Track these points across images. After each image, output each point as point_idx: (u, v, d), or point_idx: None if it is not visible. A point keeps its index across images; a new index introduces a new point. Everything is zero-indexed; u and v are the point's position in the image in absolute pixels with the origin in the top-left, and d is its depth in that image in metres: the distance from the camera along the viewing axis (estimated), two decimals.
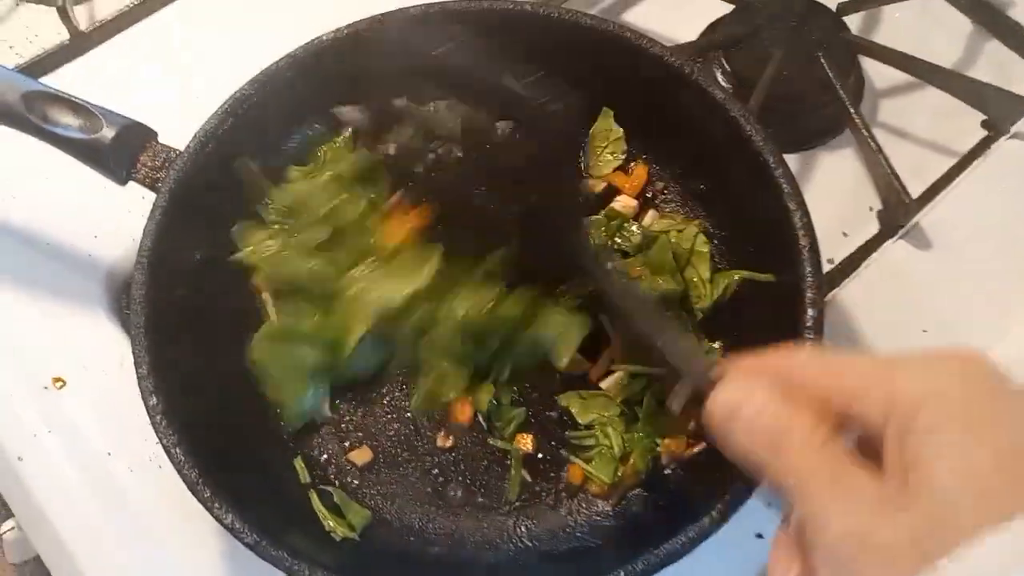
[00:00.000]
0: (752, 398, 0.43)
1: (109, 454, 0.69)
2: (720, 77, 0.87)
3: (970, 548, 0.33)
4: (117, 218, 0.75)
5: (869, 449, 0.40)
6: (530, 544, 0.64)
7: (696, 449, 0.67)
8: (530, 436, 0.68)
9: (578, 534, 0.64)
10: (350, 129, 0.73)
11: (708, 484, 0.61)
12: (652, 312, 0.59)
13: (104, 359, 0.71)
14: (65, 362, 0.72)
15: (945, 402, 0.37)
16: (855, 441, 0.42)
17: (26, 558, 0.71)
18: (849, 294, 0.77)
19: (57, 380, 0.71)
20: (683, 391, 0.51)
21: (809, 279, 0.62)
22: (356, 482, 0.67)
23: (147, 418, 0.58)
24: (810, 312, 0.61)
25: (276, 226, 0.66)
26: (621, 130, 0.74)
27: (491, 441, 0.68)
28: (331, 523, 0.62)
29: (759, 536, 0.68)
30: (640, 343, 0.59)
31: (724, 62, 0.87)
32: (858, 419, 0.40)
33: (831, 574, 0.38)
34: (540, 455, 0.68)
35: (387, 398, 0.71)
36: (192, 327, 0.65)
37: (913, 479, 0.36)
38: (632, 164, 0.76)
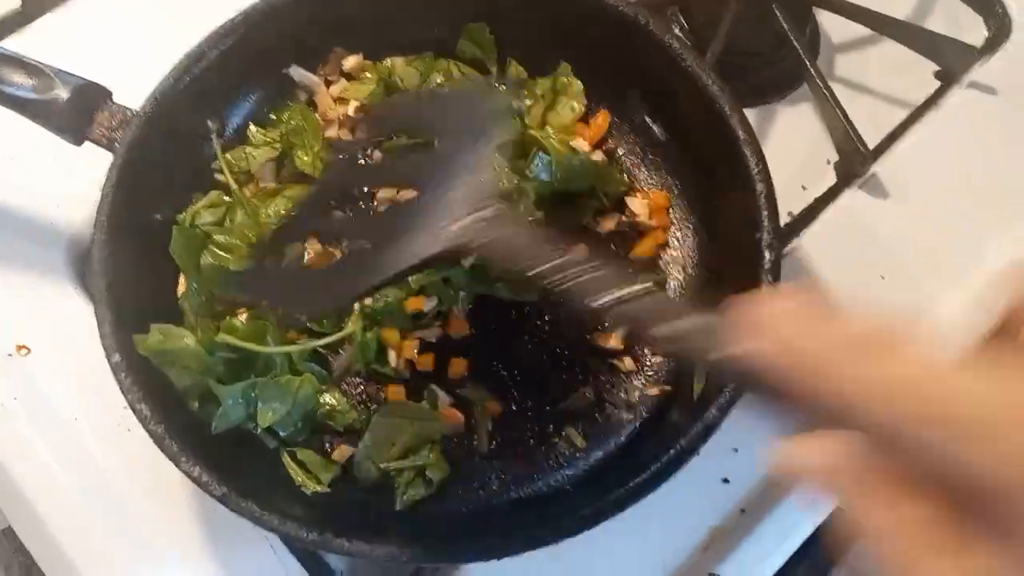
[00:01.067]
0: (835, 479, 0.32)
1: (76, 420, 0.68)
2: (677, 31, 0.87)
3: None
4: (78, 184, 0.73)
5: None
6: (501, 490, 0.65)
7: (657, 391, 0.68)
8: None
9: (549, 480, 0.65)
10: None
11: (671, 425, 0.62)
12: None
13: (69, 326, 0.71)
14: (29, 330, 0.71)
15: None
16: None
17: (1, 527, 0.70)
18: (808, 244, 0.78)
19: (21, 348, 0.71)
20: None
21: (766, 223, 0.63)
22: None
23: (113, 383, 0.58)
24: (767, 255, 0.62)
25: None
26: (579, 83, 0.74)
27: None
28: (301, 478, 0.63)
29: (725, 481, 0.69)
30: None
31: (680, 17, 0.88)
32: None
33: None
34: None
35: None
36: (154, 285, 0.65)
37: None
38: (591, 117, 0.76)
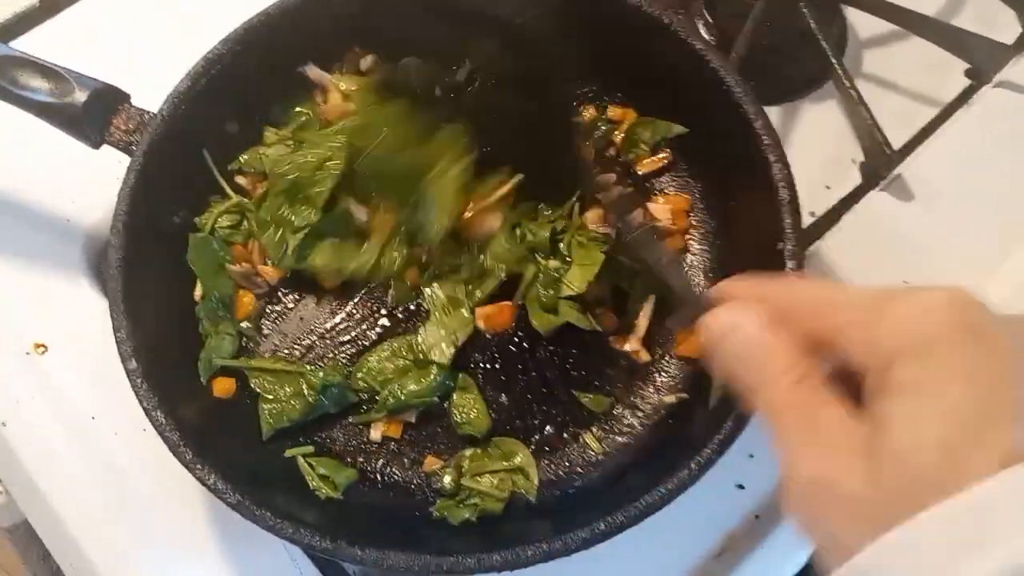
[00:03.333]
0: (743, 322, 0.42)
1: (93, 418, 0.69)
2: (702, 29, 0.86)
3: (935, 511, 0.32)
4: (96, 182, 0.74)
5: (852, 384, 0.39)
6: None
7: (674, 399, 0.67)
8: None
9: (565, 488, 0.65)
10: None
11: (689, 435, 0.62)
12: (651, 240, 0.61)
13: (86, 324, 0.71)
14: (47, 328, 0.72)
15: (921, 356, 0.36)
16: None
17: (15, 521, 0.71)
18: (831, 246, 0.77)
19: (39, 346, 0.71)
20: (683, 315, 0.49)
21: (788, 231, 0.62)
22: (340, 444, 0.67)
23: None
24: (790, 264, 0.61)
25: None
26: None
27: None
28: (316, 483, 0.63)
29: (740, 487, 0.69)
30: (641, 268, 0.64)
31: (706, 13, 0.87)
32: (843, 357, 0.39)
33: (797, 517, 0.38)
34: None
35: None
36: (170, 289, 0.65)
37: (882, 435, 0.35)
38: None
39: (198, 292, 0.68)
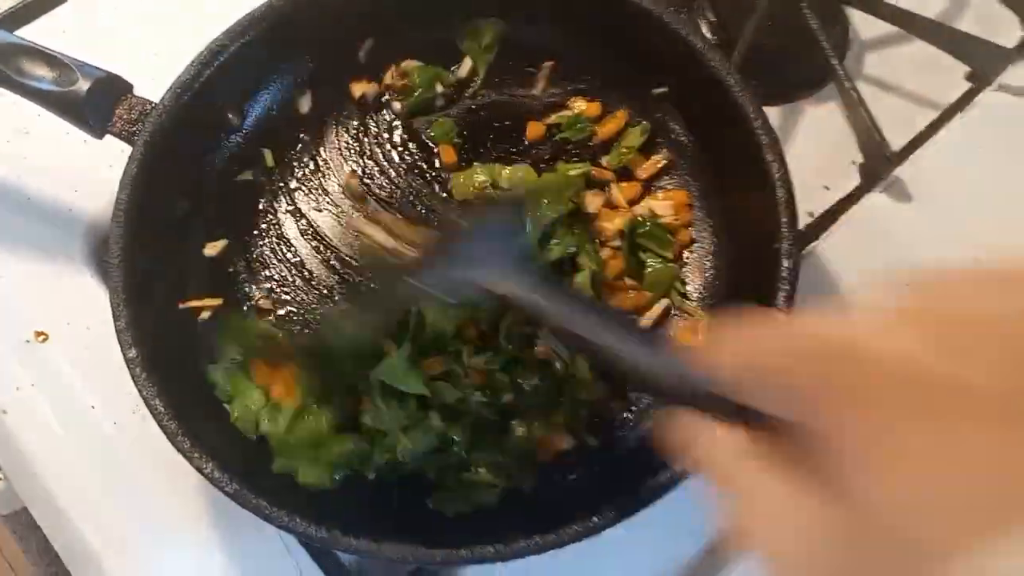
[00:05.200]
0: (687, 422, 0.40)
1: (93, 407, 0.69)
2: (704, 27, 0.86)
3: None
4: (98, 171, 0.74)
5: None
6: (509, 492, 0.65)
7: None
8: None
9: (560, 481, 0.65)
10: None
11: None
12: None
13: (86, 312, 0.71)
14: (47, 316, 0.72)
15: (902, 390, 0.31)
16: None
17: (15, 508, 0.71)
18: (828, 247, 0.77)
19: (40, 334, 0.72)
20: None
21: (784, 230, 0.62)
22: None
23: None
24: (785, 263, 0.61)
25: None
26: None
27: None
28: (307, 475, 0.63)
29: None
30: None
31: (708, 12, 0.87)
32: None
33: None
34: None
35: None
36: (170, 279, 0.66)
37: (860, 494, 0.31)
38: (610, 114, 0.76)
39: (205, 314, 0.68)
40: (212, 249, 0.70)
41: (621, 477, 0.62)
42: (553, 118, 0.75)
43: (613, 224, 0.71)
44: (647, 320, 0.69)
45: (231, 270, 0.71)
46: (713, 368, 0.38)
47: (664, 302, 0.69)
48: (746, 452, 0.37)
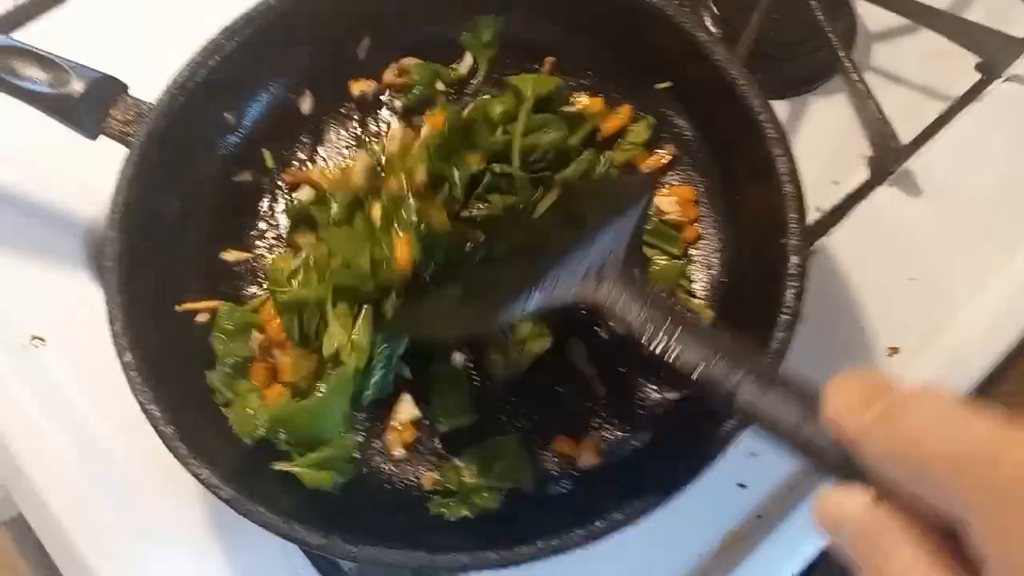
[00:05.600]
0: (850, 511, 0.36)
1: (90, 411, 0.69)
2: (708, 21, 0.85)
3: None
4: (97, 174, 0.72)
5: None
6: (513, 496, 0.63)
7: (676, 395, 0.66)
8: None
9: (563, 485, 0.64)
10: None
11: (690, 430, 0.61)
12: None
13: (84, 316, 0.70)
14: (45, 320, 0.72)
15: None
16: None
17: (12, 515, 0.71)
18: (837, 242, 0.76)
19: (36, 338, 0.71)
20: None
21: (793, 226, 0.61)
22: None
23: None
24: (793, 259, 0.60)
25: None
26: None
27: None
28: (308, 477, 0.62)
29: (742, 486, 0.68)
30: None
31: (712, 5, 0.85)
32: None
33: None
34: None
35: None
36: (167, 282, 0.65)
37: None
38: (615, 107, 0.74)
39: (203, 317, 0.67)
40: (231, 255, 0.70)
41: (626, 481, 0.61)
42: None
43: None
44: None
45: (230, 272, 0.70)
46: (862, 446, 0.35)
47: None
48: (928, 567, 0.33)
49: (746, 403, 0.42)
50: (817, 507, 0.37)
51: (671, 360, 0.47)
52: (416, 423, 0.65)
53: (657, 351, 0.47)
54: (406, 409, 0.65)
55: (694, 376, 0.45)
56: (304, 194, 0.71)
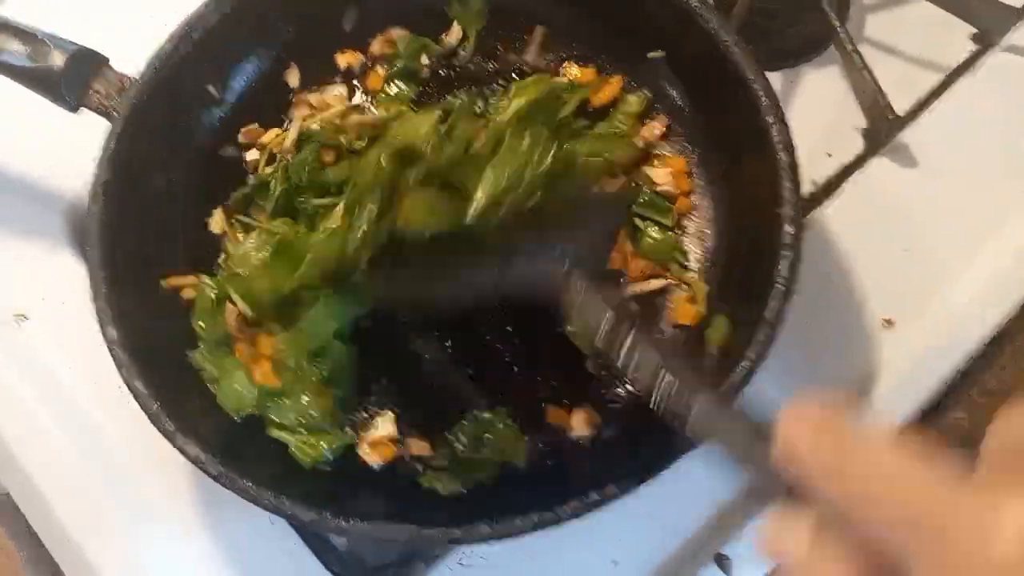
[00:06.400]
0: (792, 550, 0.36)
1: (75, 388, 0.68)
2: None
3: None
4: (79, 148, 0.71)
5: None
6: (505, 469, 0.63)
7: None
8: None
9: (557, 458, 0.64)
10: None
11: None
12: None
13: (67, 292, 0.70)
14: (27, 297, 0.71)
15: None
16: None
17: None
18: (832, 213, 0.75)
19: (19, 315, 0.70)
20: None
21: (787, 195, 0.60)
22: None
23: None
24: (787, 228, 0.59)
25: None
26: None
27: None
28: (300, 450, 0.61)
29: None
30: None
31: None
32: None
33: None
34: None
35: None
36: (151, 257, 0.64)
37: None
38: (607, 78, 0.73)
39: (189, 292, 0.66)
40: (217, 227, 0.69)
41: (619, 454, 0.61)
42: None
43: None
44: (637, 290, 0.67)
45: (216, 247, 0.68)
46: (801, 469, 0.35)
47: (661, 281, 0.67)
48: None
49: (699, 421, 0.43)
50: (761, 532, 0.37)
51: (625, 369, 0.48)
52: (394, 440, 0.64)
53: (616, 361, 0.48)
54: (384, 427, 0.64)
55: (649, 392, 0.46)
56: (252, 155, 0.70)
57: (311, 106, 0.72)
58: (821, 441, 0.35)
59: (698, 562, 0.65)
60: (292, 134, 0.68)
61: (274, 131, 0.71)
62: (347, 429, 0.63)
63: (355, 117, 0.70)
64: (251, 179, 0.70)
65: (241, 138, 0.71)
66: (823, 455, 0.34)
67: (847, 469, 0.33)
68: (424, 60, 0.74)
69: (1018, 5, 0.82)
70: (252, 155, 0.70)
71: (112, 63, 0.65)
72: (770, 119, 0.62)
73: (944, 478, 0.31)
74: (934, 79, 0.81)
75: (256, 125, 0.71)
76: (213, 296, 0.64)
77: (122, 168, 0.62)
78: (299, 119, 0.70)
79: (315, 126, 0.69)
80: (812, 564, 0.34)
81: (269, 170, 0.69)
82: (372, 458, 0.63)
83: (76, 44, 0.64)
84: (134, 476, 0.66)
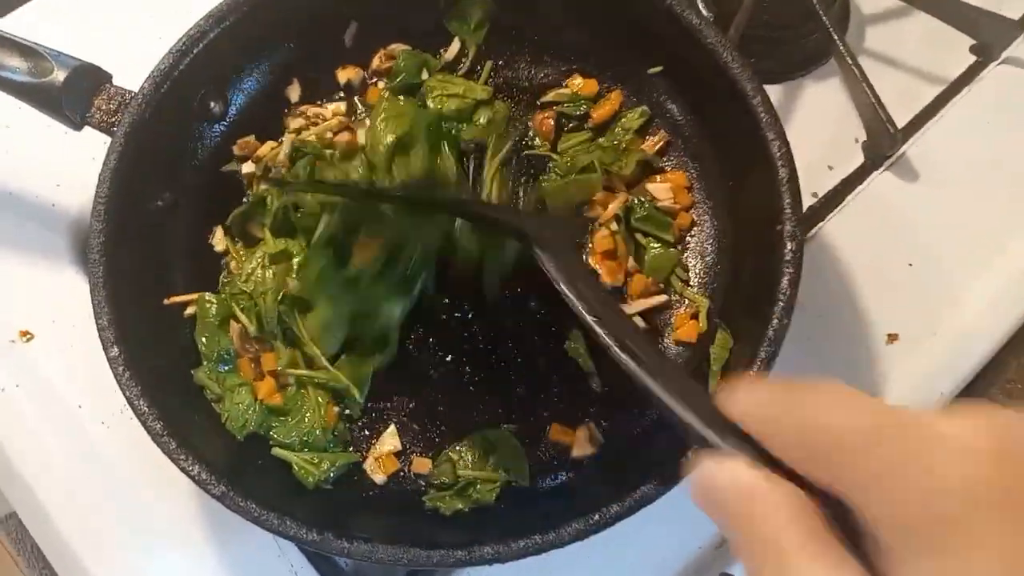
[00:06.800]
0: (732, 475, 0.35)
1: (80, 407, 0.68)
2: (700, 4, 0.84)
3: None
4: (80, 165, 0.72)
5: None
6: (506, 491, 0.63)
7: None
8: None
9: (559, 478, 0.63)
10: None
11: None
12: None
13: (72, 311, 0.70)
14: (32, 315, 0.71)
15: (953, 534, 0.30)
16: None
17: (6, 512, 0.70)
18: (833, 228, 0.75)
19: (25, 334, 0.70)
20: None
21: (787, 211, 0.59)
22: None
23: None
24: (789, 245, 0.59)
25: None
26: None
27: None
28: (301, 467, 0.61)
29: None
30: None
31: None
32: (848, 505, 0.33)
33: None
34: None
35: None
36: (154, 275, 0.64)
37: None
38: (606, 93, 0.73)
39: (192, 310, 0.66)
40: (220, 244, 0.69)
41: (622, 473, 0.60)
42: (550, 96, 0.73)
43: (609, 208, 0.69)
44: (639, 306, 0.67)
45: (219, 264, 0.69)
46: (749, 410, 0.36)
47: (662, 297, 0.67)
48: (806, 531, 0.33)
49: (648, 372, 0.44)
50: (695, 474, 0.36)
51: (590, 327, 0.48)
52: (398, 455, 0.64)
53: (582, 318, 0.49)
54: (390, 441, 0.64)
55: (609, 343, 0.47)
56: (247, 168, 0.70)
57: (307, 118, 0.72)
58: (759, 387, 0.36)
59: None
60: (285, 147, 0.69)
61: (269, 144, 0.71)
62: (351, 448, 0.63)
63: (344, 135, 0.70)
64: (249, 196, 0.70)
65: (236, 150, 0.71)
66: (768, 391, 0.36)
67: (788, 394, 0.35)
68: (424, 75, 0.74)
69: (1017, 18, 0.82)
70: (248, 168, 0.70)
71: (115, 79, 0.65)
72: (770, 134, 0.61)
73: (882, 402, 0.33)
74: (934, 91, 0.82)
75: (252, 138, 0.71)
76: (216, 313, 0.64)
77: (124, 185, 0.62)
78: (292, 132, 0.71)
79: (311, 138, 0.70)
80: (748, 496, 0.34)
81: (265, 186, 0.69)
82: (377, 474, 0.63)
83: (78, 59, 0.64)
84: (140, 494, 0.65)
